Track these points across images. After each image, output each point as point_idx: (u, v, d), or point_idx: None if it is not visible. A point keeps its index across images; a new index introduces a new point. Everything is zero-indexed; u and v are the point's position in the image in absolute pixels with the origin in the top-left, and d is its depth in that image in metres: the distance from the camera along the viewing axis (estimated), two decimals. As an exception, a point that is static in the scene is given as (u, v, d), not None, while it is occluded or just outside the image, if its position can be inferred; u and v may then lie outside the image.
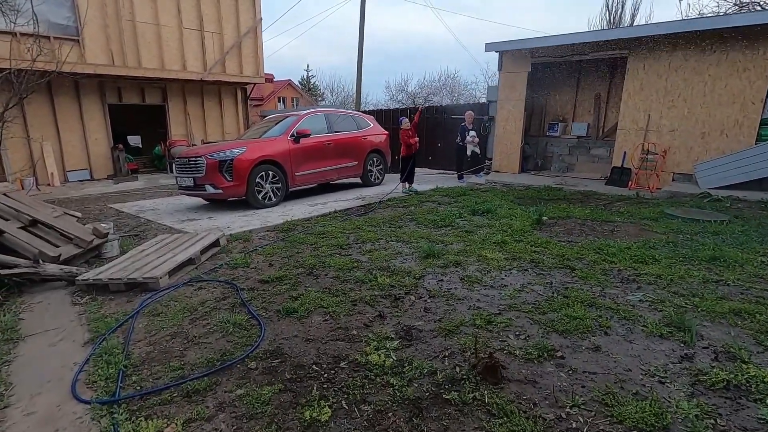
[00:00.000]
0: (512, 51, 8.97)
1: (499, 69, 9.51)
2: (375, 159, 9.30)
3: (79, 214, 5.56)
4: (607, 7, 24.74)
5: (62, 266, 4.11)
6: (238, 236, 5.31)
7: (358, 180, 9.20)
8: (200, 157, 6.69)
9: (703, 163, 7.12)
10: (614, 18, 26.26)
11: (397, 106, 22.64)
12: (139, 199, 8.77)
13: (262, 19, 14.71)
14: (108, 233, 4.86)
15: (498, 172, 9.80)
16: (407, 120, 7.91)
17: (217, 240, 4.87)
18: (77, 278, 3.88)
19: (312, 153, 7.83)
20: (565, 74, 9.49)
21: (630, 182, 7.85)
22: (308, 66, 47.65)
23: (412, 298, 3.40)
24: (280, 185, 7.22)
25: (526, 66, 8.98)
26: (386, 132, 9.66)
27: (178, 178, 7.10)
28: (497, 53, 9.32)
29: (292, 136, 7.51)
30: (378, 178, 9.46)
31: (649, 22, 10.79)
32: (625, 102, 7.88)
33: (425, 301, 3.34)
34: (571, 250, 4.38)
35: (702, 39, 6.81)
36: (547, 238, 4.82)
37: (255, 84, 15.61)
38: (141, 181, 12.06)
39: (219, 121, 15.19)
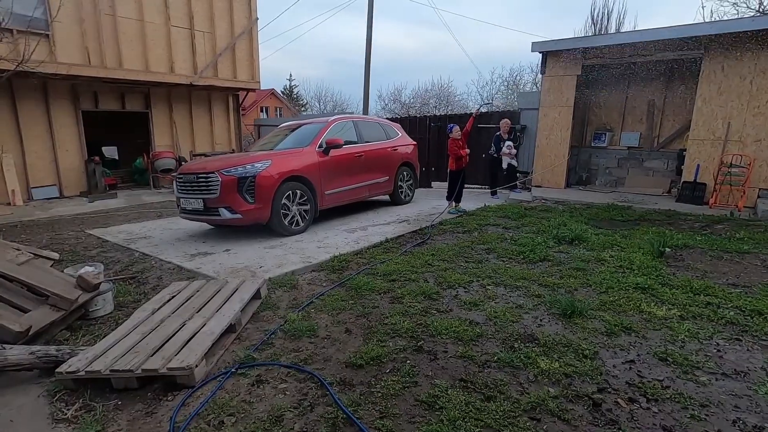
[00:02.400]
0: (560, 52, 7.99)
1: (542, 72, 8.50)
2: (405, 173, 8.06)
3: (56, 255, 4.05)
4: (592, 19, 24.67)
5: (33, 347, 2.65)
6: (281, 281, 3.93)
7: (386, 197, 7.93)
8: (213, 173, 5.28)
9: (801, 177, 6.25)
10: (599, 30, 26.30)
11: (416, 114, 21.52)
12: (123, 222, 7.20)
13: (258, 19, 13.37)
14: (99, 284, 3.41)
15: (539, 186, 8.74)
16: (458, 128, 6.73)
17: (258, 290, 3.49)
18: (59, 369, 2.45)
19: (343, 167, 6.52)
20: (612, 78, 8.57)
21: (710, 199, 6.89)
22: (291, 75, 46.25)
23: (621, 402, 2.14)
24: (308, 207, 5.86)
25: (575, 68, 8.01)
26: (414, 142, 8.46)
27: (182, 200, 5.64)
28: (540, 54, 8.32)
29: (320, 147, 6.18)
30: (408, 195, 8.21)
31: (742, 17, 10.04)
32: (699, 109, 6.97)
33: (645, 408, 2.09)
34: (763, 301, 3.23)
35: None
36: (701, 281, 3.67)
37: (249, 91, 14.17)
38: (121, 199, 10.39)
39: (208, 130, 13.65)
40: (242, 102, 14.73)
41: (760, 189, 6.55)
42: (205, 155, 12.19)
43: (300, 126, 7.09)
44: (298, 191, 5.71)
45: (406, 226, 6.07)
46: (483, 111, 9.82)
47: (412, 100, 26.56)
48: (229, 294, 3.37)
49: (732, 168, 6.66)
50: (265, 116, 35.38)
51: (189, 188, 5.54)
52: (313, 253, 4.78)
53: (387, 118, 11.29)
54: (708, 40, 6.56)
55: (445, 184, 11.38)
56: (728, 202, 6.71)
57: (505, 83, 29.06)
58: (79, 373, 2.40)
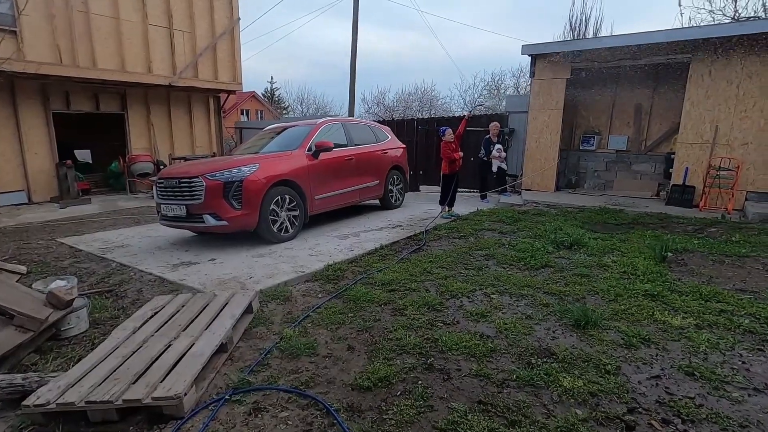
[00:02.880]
0: (549, 55, 7.97)
1: (531, 75, 8.47)
2: (395, 177, 7.88)
3: (23, 269, 3.70)
4: (570, 25, 25.16)
5: (-4, 376, 2.34)
6: (273, 293, 3.67)
7: (375, 202, 7.72)
8: (196, 177, 4.97)
9: (788, 180, 6.34)
10: (577, 36, 26.85)
11: (394, 117, 21.29)
12: (98, 230, 6.78)
13: (240, 19, 13.01)
14: (73, 300, 3.09)
15: (529, 190, 8.69)
16: (451, 131, 6.59)
17: (250, 304, 3.23)
18: (26, 402, 2.15)
19: (333, 171, 6.29)
20: (600, 81, 8.60)
21: (699, 202, 6.94)
22: (272, 78, 45.59)
23: (655, 424, 1.99)
24: (297, 212, 5.60)
25: (565, 72, 7.99)
26: (404, 145, 8.29)
27: (163, 206, 5.30)
28: (529, 57, 8.28)
29: (309, 150, 5.94)
30: (399, 200, 8.03)
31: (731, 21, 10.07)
32: (687, 112, 7.02)
33: (682, 430, 1.94)
34: (770, 306, 3.16)
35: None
36: (709, 287, 3.59)
37: (231, 92, 13.76)
38: (95, 205, 9.87)
39: (188, 133, 13.19)
40: (223, 104, 14.32)
41: (747, 192, 6.63)
42: (185, 159, 11.75)
43: (287, 128, 6.83)
44: (287, 196, 5.45)
45: (400, 231, 5.88)
46: (475, 114, 9.75)
47: (396, 104, 26.49)
48: (218, 309, 3.10)
49: (721, 171, 6.72)
50: (245, 119, 34.77)
51: (170, 194, 5.22)
52: (305, 261, 4.53)
53: (376, 121, 11.10)
54: (696, 44, 6.62)
55: (434, 188, 11.30)
56: (717, 204, 6.77)
57: (487, 87, 29.35)
58: (49, 406, 2.11)
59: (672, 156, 7.90)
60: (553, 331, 2.93)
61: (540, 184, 8.62)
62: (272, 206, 5.26)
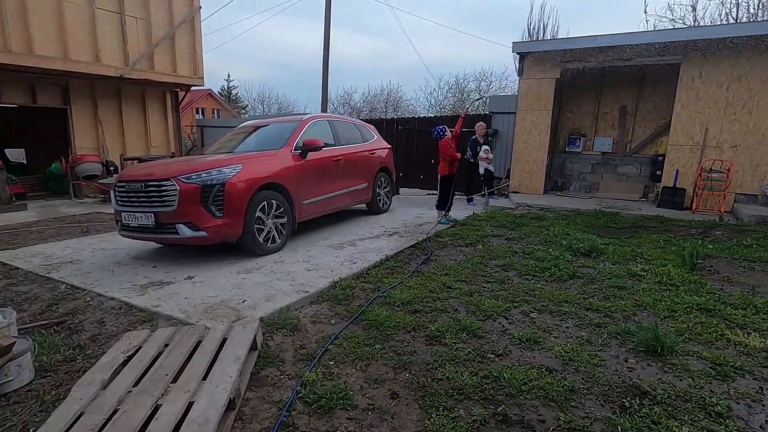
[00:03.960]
0: (538, 54, 7.75)
1: (519, 74, 8.22)
2: (383, 179, 7.34)
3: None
4: (529, 32, 25.88)
5: None
6: (277, 321, 3.01)
7: (360, 207, 7.14)
8: (168, 180, 4.18)
9: (777, 182, 6.42)
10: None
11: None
12: (38, 241, 5.73)
13: (200, 7, 11.98)
14: (12, 344, 2.30)
15: (517, 192, 8.43)
16: (449, 130, 6.13)
17: (254, 339, 2.57)
18: None
19: (321, 173, 5.66)
20: (586, 83, 8.50)
21: (691, 204, 6.93)
22: (229, 76, 43.51)
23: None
24: (285, 219, 4.92)
25: (554, 71, 7.80)
26: (389, 145, 7.77)
27: (125, 214, 4.45)
28: (517, 55, 8.02)
29: (296, 149, 5.28)
30: (386, 204, 7.49)
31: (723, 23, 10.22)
32: (678, 114, 7.00)
33: None
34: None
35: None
36: (760, 298, 3.33)
37: (189, 88, 12.65)
38: (32, 211, 8.57)
39: (143, 131, 11.98)
40: (182, 100, 13.16)
41: (736, 194, 6.68)
42: (140, 160, 10.60)
43: (266, 125, 6.12)
44: (274, 201, 4.76)
45: (399, 239, 5.34)
46: (473, 111, 9.39)
47: (362, 105, 25.97)
48: (214, 348, 2.42)
49: (712, 173, 6.73)
50: (200, 118, 32.95)
51: (134, 199, 4.38)
52: (304, 278, 3.88)
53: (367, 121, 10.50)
54: (687, 45, 6.59)
55: (414, 191, 10.87)
56: (707, 206, 6.77)
57: (452, 90, 29.53)
58: None
59: (658, 158, 7.92)
60: (625, 360, 2.51)
61: (528, 187, 8.39)
62: (258, 213, 4.55)
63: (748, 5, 11.29)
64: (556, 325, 3.01)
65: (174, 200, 4.14)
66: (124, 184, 4.48)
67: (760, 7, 10.86)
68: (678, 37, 6.61)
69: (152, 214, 4.23)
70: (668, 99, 8.25)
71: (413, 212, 7.44)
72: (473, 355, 2.58)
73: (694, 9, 12.44)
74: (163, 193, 4.19)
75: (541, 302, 3.38)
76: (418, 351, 2.65)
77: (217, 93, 38.13)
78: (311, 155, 5.41)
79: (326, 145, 5.78)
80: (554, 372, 2.38)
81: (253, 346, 2.57)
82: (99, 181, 10.00)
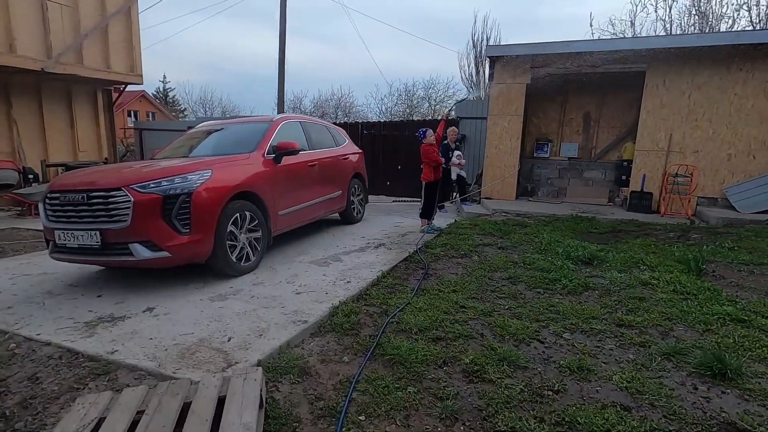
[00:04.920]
0: (509, 58, 7.68)
1: (490, 79, 8.13)
2: (356, 186, 6.84)
3: None
4: (473, 43, 26.76)
5: None
6: (278, 364, 2.42)
7: (334, 216, 6.59)
8: (118, 189, 3.41)
9: (736, 186, 6.75)
10: (479, 53, 28.66)
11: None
12: (-65, 268, 4.58)
13: (138, -3, 10.80)
14: None
15: (489, 198, 8.30)
16: (432, 132, 5.77)
17: (260, 396, 1.98)
18: None
19: (297, 179, 5.07)
20: (552, 89, 8.59)
21: (658, 207, 7.13)
22: (165, 77, 40.49)
23: None
24: (259, 233, 4.27)
25: (524, 76, 7.76)
26: (360, 150, 7.30)
27: (59, 232, 3.59)
28: (488, 60, 7.91)
29: (269, 153, 4.66)
30: (360, 212, 7.00)
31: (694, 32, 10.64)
32: (644, 121, 7.21)
33: None
34: None
35: (728, 56, 6.47)
36: (779, 303, 3.26)
37: (127, 86, 11.36)
38: (-74, 229, 7.07)
39: (69, 134, 10.53)
40: (116, 99, 11.79)
41: (698, 197, 6.96)
42: (66, 166, 9.26)
43: (228, 126, 5.42)
44: (248, 213, 4.11)
45: (388, 252, 4.87)
46: (426, 118, 9.13)
47: (313, 109, 25.24)
48: (210, 413, 1.81)
49: (678, 178, 6.97)
50: (133, 122, 30.38)
51: (72, 214, 3.54)
52: (295, 303, 3.28)
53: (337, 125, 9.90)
54: (653, 53, 6.80)
55: (380, 198, 10.44)
56: (673, 210, 7.00)
57: (401, 98, 29.70)
58: None
59: (623, 163, 8.16)
60: (695, 387, 2.23)
61: (500, 192, 8.29)
62: (230, 227, 3.88)
63: (681, 21, 12.29)
64: (597, 347, 2.70)
65: (127, 214, 3.37)
66: (58, 195, 3.62)
67: (691, 24, 11.85)
68: (649, 45, 6.81)
69: (97, 232, 3.42)
70: (629, 106, 8.58)
71: (390, 221, 7.01)
72: (527, 393, 2.18)
73: (632, 24, 13.29)
74: (112, 206, 3.40)
75: (567, 319, 3.08)
76: (461, 393, 2.21)
77: (151, 95, 35.40)
78: (285, 160, 4.80)
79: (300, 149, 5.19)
80: (630, 410, 2.03)
81: (259, 404, 1.98)
82: (14, 191, 8.54)
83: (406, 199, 9.92)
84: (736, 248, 4.93)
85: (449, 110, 6.00)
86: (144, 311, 3.20)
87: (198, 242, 3.59)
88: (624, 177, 8.05)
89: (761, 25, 11.82)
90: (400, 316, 3.11)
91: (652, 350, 2.62)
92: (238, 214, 3.97)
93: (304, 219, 5.30)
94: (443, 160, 5.87)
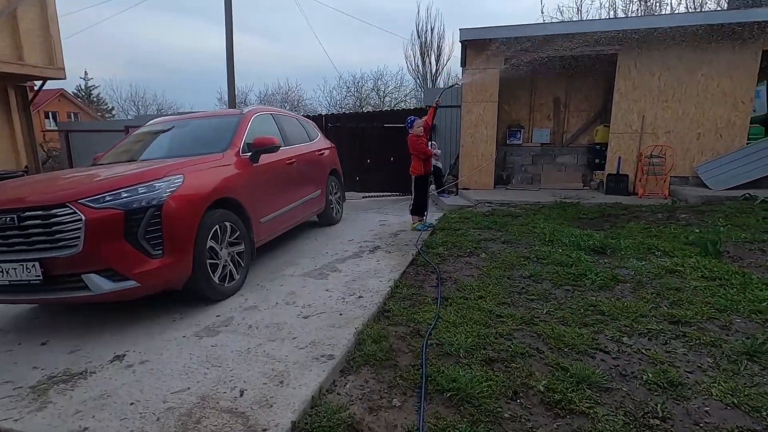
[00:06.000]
0: (481, 42, 7.38)
1: (463, 65, 7.80)
2: (333, 184, 6.25)
3: None
4: (417, 33, 26.80)
5: None
6: (321, 426, 1.87)
7: (313, 218, 5.97)
8: (61, 207, 2.64)
9: (706, 164, 6.93)
10: (424, 43, 28.72)
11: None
12: None
13: (53, -22, 9.31)
14: None
15: (467, 189, 8.02)
16: (420, 121, 5.30)
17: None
18: None
19: (277, 180, 4.44)
20: (521, 74, 8.42)
21: (635, 189, 7.20)
22: (86, 74, 36.64)
23: None
24: (242, 247, 3.62)
25: (498, 61, 7.51)
26: (333, 144, 6.71)
27: (-20, 267, 2.73)
28: (460, 44, 7.56)
29: (245, 151, 3.98)
30: (339, 212, 6.42)
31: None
32: (617, 103, 7.21)
33: None
34: None
35: (695, 37, 6.58)
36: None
37: (45, 81, 9.82)
38: None
39: (-24, 139, 8.91)
40: (33, 98, 10.20)
41: (671, 177, 7.10)
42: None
43: (190, 123, 4.63)
44: (228, 224, 3.44)
45: (387, 256, 4.38)
46: (394, 108, 8.65)
47: (260, 104, 23.91)
48: None
49: (653, 158, 7.06)
50: (52, 124, 27.26)
51: (-2, 241, 2.70)
52: (308, 331, 2.71)
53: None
54: (625, 35, 6.78)
55: (351, 194, 9.83)
56: (648, 191, 7.09)
57: (350, 90, 29.09)
58: None
59: (596, 147, 8.20)
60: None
61: (478, 182, 8.04)
62: (209, 242, 3.20)
63: (625, 8, 12.75)
64: (667, 352, 2.41)
65: (77, 237, 2.61)
66: (-27, 217, 2.75)
67: (634, 10, 12.31)
68: (623, 26, 6.78)
69: (36, 263, 2.63)
70: (597, 89, 8.64)
71: (372, 219, 6.49)
72: (633, 426, 1.82)
73: (579, 11, 13.63)
74: (56, 228, 2.62)
75: (616, 320, 2.79)
76: (557, 434, 1.79)
77: (72, 93, 31.92)
78: (263, 159, 4.14)
79: (276, 145, 4.53)
80: (761, 435, 1.72)
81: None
82: None
83: (378, 194, 9.45)
84: (730, 226, 4.96)
85: (438, 97, 5.55)
86: (112, 360, 2.49)
87: (174, 265, 2.89)
88: (597, 160, 8.10)
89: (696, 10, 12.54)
90: (435, 335, 2.65)
91: (727, 350, 2.37)
92: (217, 226, 3.29)
93: (286, 225, 4.67)
94: (433, 151, 5.43)
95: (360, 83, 28.59)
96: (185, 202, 2.98)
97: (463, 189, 8.06)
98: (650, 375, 2.15)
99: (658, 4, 12.37)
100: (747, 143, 6.82)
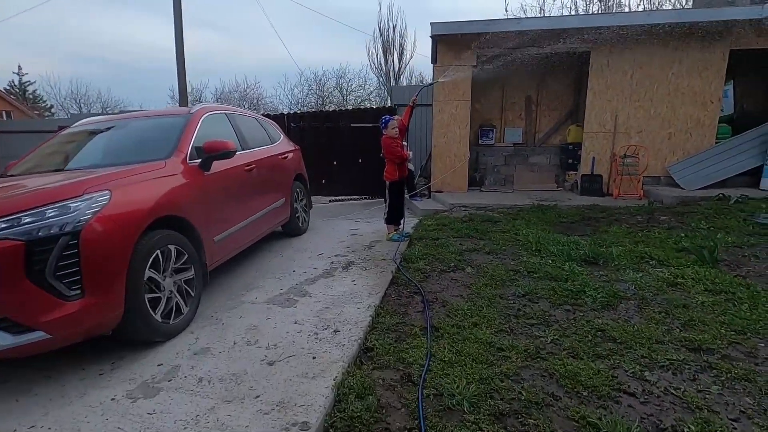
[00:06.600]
0: (453, 38, 7.01)
1: (434, 61, 7.41)
2: (299, 191, 5.69)
3: None
4: (380, 30, 26.46)
5: None
6: None
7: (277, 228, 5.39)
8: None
9: (678, 164, 6.90)
10: (386, 41, 28.41)
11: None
12: None
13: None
14: None
15: (440, 192, 7.66)
16: (396, 121, 4.83)
17: None
18: None
19: (233, 190, 3.84)
20: (492, 73, 8.15)
21: (610, 190, 7.09)
22: (20, 68, 33.48)
23: None
24: (192, 273, 3.02)
25: (470, 58, 7.18)
26: (297, 146, 6.14)
27: None
28: (431, 39, 7.16)
29: (193, 157, 3.38)
30: (305, 221, 5.87)
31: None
32: (591, 102, 7.07)
33: None
34: None
35: (666, 35, 6.52)
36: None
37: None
38: None
39: None
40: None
41: (643, 177, 7.04)
42: None
43: (126, 123, 3.93)
44: (172, 248, 2.83)
45: (363, 273, 3.89)
46: (361, 107, 8.15)
47: (216, 102, 22.66)
48: None
49: (626, 159, 6.97)
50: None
51: None
52: (275, 385, 2.18)
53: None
54: (599, 32, 6.62)
55: (318, 198, 9.23)
56: (622, 191, 7.00)
57: (312, 88, 28.29)
58: None
59: (568, 146, 8.06)
60: None
61: (452, 184, 7.70)
62: (148, 272, 2.60)
63: (586, 7, 12.88)
64: (699, 391, 2.09)
65: (-43, 280, 1.95)
66: None
67: (594, 10, 12.44)
68: (598, 23, 6.62)
69: None
70: (567, 87, 8.51)
71: (343, 228, 5.98)
72: None
73: (542, 10, 13.67)
74: (-74, 268, 1.95)
75: (630, 350, 2.46)
76: None
77: (4, 90, 29.09)
78: (216, 166, 3.54)
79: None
80: None
81: None
82: None
83: (346, 197, 8.93)
84: (712, 228, 4.85)
85: (416, 95, 5.11)
86: (13, 442, 1.86)
87: (98, 307, 2.28)
88: (570, 161, 7.97)
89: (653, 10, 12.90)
90: (431, 381, 2.21)
91: (764, 385, 2.08)
92: (159, 252, 2.69)
93: (246, 241, 4.09)
94: (409, 154, 4.99)
95: (322, 81, 27.82)
96: (113, 226, 2.37)
97: (436, 192, 7.69)
98: (692, 428, 1.80)
99: (617, 5, 12.63)
100: (716, 143, 6.86)
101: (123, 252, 2.40)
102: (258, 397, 2.09)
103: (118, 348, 2.64)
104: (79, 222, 2.22)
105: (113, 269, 2.34)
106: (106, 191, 2.43)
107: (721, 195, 6.09)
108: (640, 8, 13.69)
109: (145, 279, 2.56)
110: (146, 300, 2.57)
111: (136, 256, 2.49)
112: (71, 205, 2.25)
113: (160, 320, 2.68)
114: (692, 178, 6.67)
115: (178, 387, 2.21)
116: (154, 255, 2.64)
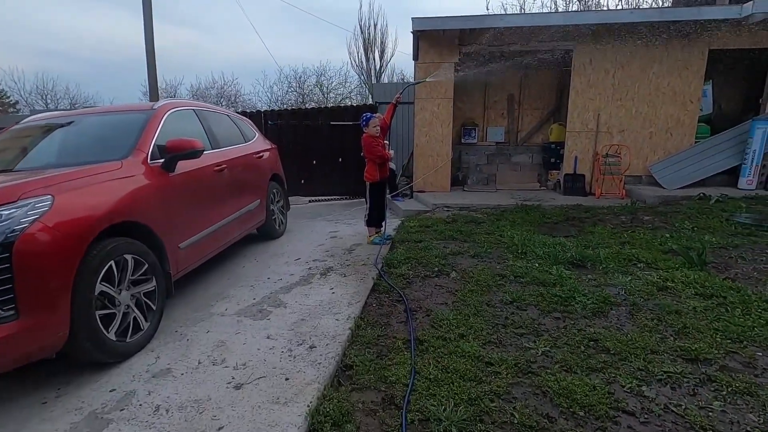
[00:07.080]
0: (435, 34, 6.83)
1: (415, 58, 7.21)
2: (275, 191, 5.43)
3: None
4: (361, 28, 26.19)
5: None
6: None
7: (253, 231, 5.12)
8: None
9: (659, 163, 6.90)
10: (367, 38, 28.17)
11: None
12: None
13: None
14: None
15: (422, 191, 7.49)
16: (377, 120, 4.61)
17: None
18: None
19: (201, 193, 3.57)
20: (474, 70, 8.02)
21: (592, 189, 7.04)
22: (-20, 63, 31.75)
23: None
24: (152, 284, 2.75)
25: (452, 55, 7.01)
26: (274, 144, 5.87)
27: None
28: (411, 35, 6.96)
29: (155, 157, 3.09)
30: (282, 224, 5.61)
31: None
32: (573, 101, 6.99)
33: None
34: None
35: (647, 34, 6.49)
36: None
37: None
38: None
39: None
40: None
41: (625, 176, 7.02)
42: None
43: (83, 119, 3.61)
44: (129, 257, 2.56)
45: (342, 281, 3.67)
46: (341, 104, 7.91)
47: (192, 99, 21.95)
48: None
49: (608, 158, 6.93)
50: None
51: None
52: (242, 415, 1.95)
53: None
54: (580, 31, 6.55)
55: (296, 198, 8.94)
56: (604, 191, 6.97)
57: (292, 85, 27.81)
58: None
59: (551, 146, 8.00)
60: None
61: (434, 184, 7.53)
62: (100, 286, 2.32)
63: (564, 6, 12.95)
64: (701, 408, 1.95)
65: None
66: None
67: (573, 9, 12.49)
68: (581, 20, 6.53)
69: None
70: (549, 86, 8.45)
71: (321, 230, 5.74)
72: None
73: (522, 8, 13.66)
74: None
75: (625, 362, 2.32)
76: None
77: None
78: (182, 167, 3.27)
79: (200, 148, 3.65)
80: None
81: None
82: None
83: (325, 198, 8.68)
84: (696, 229, 4.81)
85: (400, 93, 4.91)
86: None
87: (38, 328, 2.01)
88: (553, 160, 7.92)
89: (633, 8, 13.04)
90: (415, 403, 2.01)
91: (760, 401, 1.96)
92: (112, 262, 2.41)
93: (217, 246, 3.81)
94: (390, 154, 4.78)
95: (302, 78, 27.34)
96: (55, 235, 2.09)
97: (419, 192, 7.52)
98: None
99: (596, 4, 12.72)
100: (695, 142, 6.89)
101: (67, 265, 2.12)
102: (221, 429, 1.85)
103: (66, 371, 2.36)
104: (12, 232, 1.93)
105: (55, 285, 2.07)
106: (48, 196, 2.15)
107: (701, 194, 6.10)
108: (619, 8, 13.88)
109: (96, 294, 2.29)
110: (97, 317, 2.29)
111: (84, 268, 2.21)
112: (3, 212, 1.97)
113: (114, 339, 2.41)
114: (673, 178, 6.68)
115: (130, 418, 1.96)
116: (107, 266, 2.37)
